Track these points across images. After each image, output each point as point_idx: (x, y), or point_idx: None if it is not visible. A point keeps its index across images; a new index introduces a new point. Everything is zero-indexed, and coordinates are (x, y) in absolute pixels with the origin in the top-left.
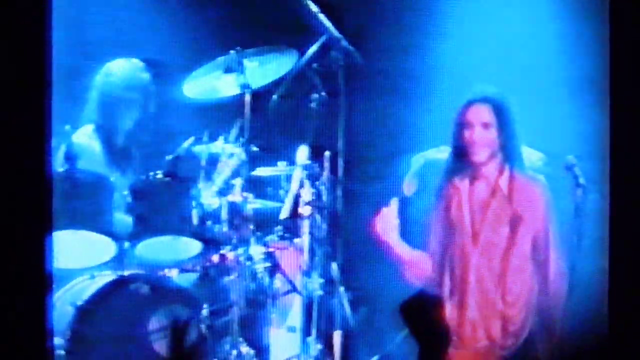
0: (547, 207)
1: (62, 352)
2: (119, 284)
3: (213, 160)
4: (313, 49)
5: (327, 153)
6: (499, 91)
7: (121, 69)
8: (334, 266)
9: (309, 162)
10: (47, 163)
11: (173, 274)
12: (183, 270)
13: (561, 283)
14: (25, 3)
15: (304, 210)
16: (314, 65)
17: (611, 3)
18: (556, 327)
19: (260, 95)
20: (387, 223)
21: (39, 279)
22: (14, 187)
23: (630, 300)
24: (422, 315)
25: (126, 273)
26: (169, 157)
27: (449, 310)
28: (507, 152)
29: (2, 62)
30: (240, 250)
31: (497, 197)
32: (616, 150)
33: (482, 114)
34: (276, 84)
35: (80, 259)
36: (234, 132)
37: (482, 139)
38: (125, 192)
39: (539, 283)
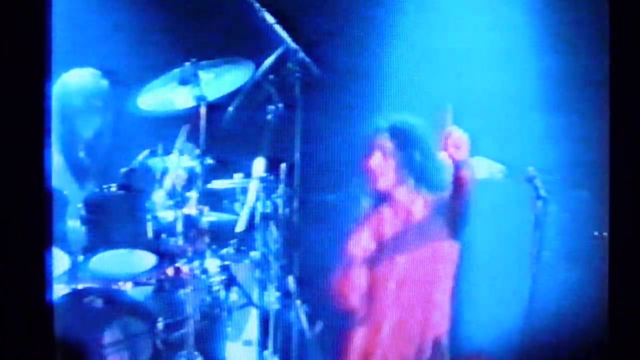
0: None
1: None
2: (72, 297)
3: (168, 173)
4: (269, 60)
5: (283, 165)
6: (402, 119)
7: (79, 78)
8: (291, 279)
9: (265, 174)
10: (45, 177)
11: (127, 287)
12: (137, 284)
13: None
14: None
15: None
16: (270, 76)
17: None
18: None
19: (216, 107)
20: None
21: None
22: (12, 201)
23: (629, 305)
24: None
25: (80, 286)
26: (123, 170)
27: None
28: (417, 177)
29: None
30: (196, 263)
31: (411, 223)
32: (615, 155)
33: (383, 141)
34: (232, 95)
35: None
36: (180, 140)
37: (383, 166)
38: (80, 205)
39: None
